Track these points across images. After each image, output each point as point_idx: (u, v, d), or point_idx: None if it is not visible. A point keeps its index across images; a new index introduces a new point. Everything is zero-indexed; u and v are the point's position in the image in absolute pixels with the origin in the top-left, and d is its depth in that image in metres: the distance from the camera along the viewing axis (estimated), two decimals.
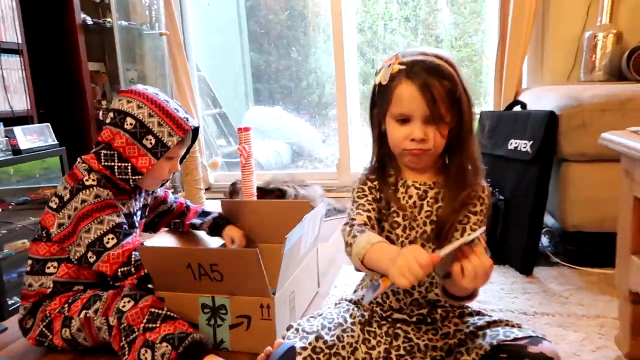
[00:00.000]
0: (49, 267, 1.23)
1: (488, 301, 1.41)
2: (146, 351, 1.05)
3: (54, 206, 1.22)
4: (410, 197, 0.97)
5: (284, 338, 0.98)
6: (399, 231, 0.97)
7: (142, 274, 1.18)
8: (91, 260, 1.18)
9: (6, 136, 1.65)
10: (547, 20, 2.36)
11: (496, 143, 1.74)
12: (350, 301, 1.09)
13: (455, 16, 3.93)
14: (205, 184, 2.89)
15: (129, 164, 1.23)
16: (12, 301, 1.53)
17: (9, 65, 1.94)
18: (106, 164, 1.23)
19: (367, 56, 4.14)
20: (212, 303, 1.20)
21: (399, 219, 0.97)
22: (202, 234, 1.54)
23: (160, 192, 1.48)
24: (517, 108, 1.83)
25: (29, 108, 2.03)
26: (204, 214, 1.52)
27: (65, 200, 1.19)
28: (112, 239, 1.18)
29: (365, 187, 0.99)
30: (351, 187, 1.03)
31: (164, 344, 1.05)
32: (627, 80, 2.06)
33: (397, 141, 0.94)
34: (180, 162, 1.38)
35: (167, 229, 1.53)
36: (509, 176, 1.67)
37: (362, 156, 3.10)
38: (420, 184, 0.98)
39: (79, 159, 1.27)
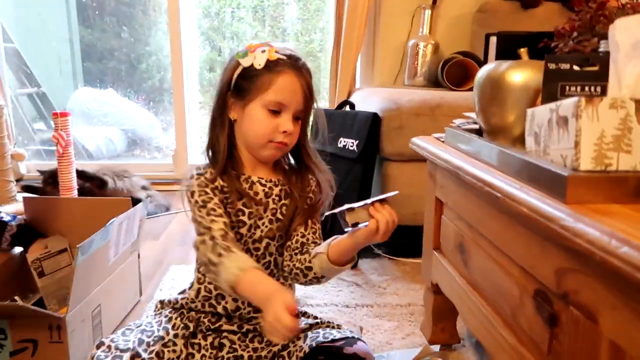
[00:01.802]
0: None
1: (314, 296, 1.45)
2: None
3: None
4: (256, 194, 0.94)
5: (92, 358, 0.87)
6: (243, 230, 0.93)
7: None
8: None
9: None
10: (377, 26, 2.52)
11: (327, 140, 1.80)
12: (174, 306, 1.00)
13: (302, 11, 4.02)
14: (16, 175, 2.51)
15: None
16: None
17: None
18: None
19: (213, 43, 4.02)
20: None
21: (245, 218, 0.92)
22: None
23: None
24: (347, 108, 1.91)
25: None
26: None
27: None
28: None
29: (208, 189, 0.91)
30: (184, 189, 0.93)
31: None
32: (442, 87, 2.30)
33: (264, 131, 0.90)
34: None
35: None
36: (338, 173, 1.72)
37: (201, 147, 2.99)
38: (266, 181, 0.95)
39: None
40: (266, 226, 0.94)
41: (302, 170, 1.00)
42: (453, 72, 2.14)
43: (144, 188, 2.16)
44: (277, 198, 0.96)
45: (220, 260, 0.82)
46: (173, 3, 2.57)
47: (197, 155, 2.77)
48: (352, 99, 2.14)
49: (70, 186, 2.10)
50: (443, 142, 1.06)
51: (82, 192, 2.04)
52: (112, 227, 1.15)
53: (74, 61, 3.87)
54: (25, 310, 1.01)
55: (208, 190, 0.91)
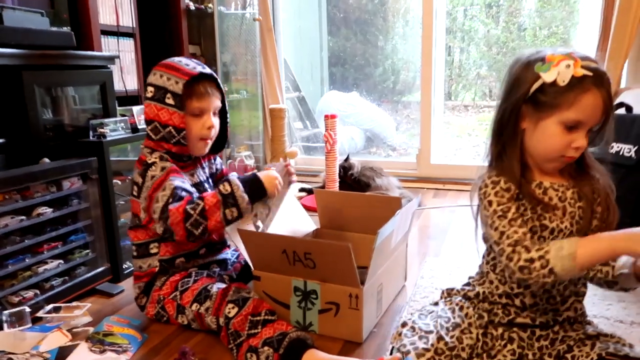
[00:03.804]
0: (152, 248, 1.35)
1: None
2: (251, 355, 1.12)
3: (135, 193, 1.32)
4: (550, 199, 0.96)
5: (400, 335, 1.00)
6: (545, 234, 0.95)
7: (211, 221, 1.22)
8: (163, 227, 1.24)
9: (122, 115, 1.80)
10: None
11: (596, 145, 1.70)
12: (464, 296, 1.08)
13: (542, 3, 3.83)
14: None
15: (170, 127, 1.29)
16: (126, 265, 1.69)
17: (124, 48, 2.10)
18: (157, 137, 1.31)
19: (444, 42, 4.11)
20: (304, 287, 1.26)
21: (547, 222, 0.95)
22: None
23: (221, 166, 1.54)
24: (621, 110, 1.77)
25: (138, 88, 2.19)
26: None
27: (140, 184, 1.29)
28: (171, 201, 1.23)
29: (505, 199, 0.93)
30: (479, 193, 0.97)
31: (266, 347, 1.11)
32: None
33: (557, 146, 0.91)
34: (223, 119, 1.41)
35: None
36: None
37: (443, 147, 3.07)
38: (558, 186, 0.96)
39: (141, 146, 1.36)
40: (568, 229, 0.95)
41: (586, 172, 0.98)
42: None
43: (397, 187, 2.36)
44: (572, 201, 0.96)
45: (545, 250, 0.86)
46: (428, 4, 2.68)
47: (439, 156, 2.87)
48: (621, 100, 1.96)
49: (333, 178, 2.43)
50: None
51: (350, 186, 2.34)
52: (398, 217, 1.32)
53: (322, 67, 4.38)
54: (351, 272, 1.18)
55: (505, 200, 0.93)
